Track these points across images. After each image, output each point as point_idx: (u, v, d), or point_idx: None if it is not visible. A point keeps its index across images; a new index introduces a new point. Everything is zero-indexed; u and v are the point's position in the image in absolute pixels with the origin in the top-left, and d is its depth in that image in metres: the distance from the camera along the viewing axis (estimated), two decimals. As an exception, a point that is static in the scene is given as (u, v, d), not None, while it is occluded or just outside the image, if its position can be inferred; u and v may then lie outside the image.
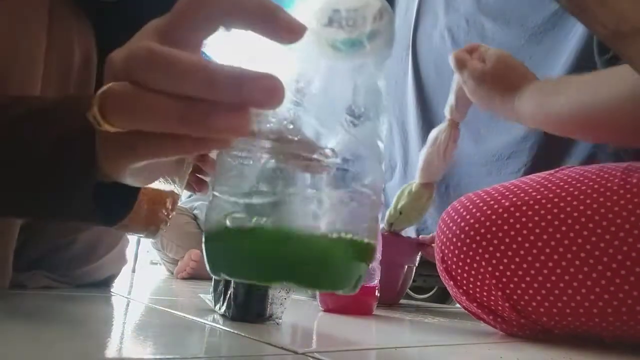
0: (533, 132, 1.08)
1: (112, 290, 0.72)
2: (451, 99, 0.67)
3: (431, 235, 0.85)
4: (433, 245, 0.83)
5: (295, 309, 0.65)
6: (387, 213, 0.83)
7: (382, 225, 0.84)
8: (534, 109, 0.54)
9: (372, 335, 0.48)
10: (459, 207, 0.49)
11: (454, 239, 0.47)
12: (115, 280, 0.79)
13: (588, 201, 0.41)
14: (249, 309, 0.43)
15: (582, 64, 0.98)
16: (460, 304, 0.52)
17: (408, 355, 0.37)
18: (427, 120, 1.44)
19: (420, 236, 0.89)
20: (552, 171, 0.48)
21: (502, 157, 1.15)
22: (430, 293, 1.78)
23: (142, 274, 1.59)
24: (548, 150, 1.04)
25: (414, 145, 1.47)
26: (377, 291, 0.63)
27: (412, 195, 0.77)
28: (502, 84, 0.57)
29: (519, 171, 1.07)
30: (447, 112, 0.69)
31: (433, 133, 0.72)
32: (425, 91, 1.48)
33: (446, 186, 1.30)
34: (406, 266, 0.87)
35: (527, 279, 0.42)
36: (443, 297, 1.74)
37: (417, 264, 0.91)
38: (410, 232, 1.36)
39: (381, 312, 0.67)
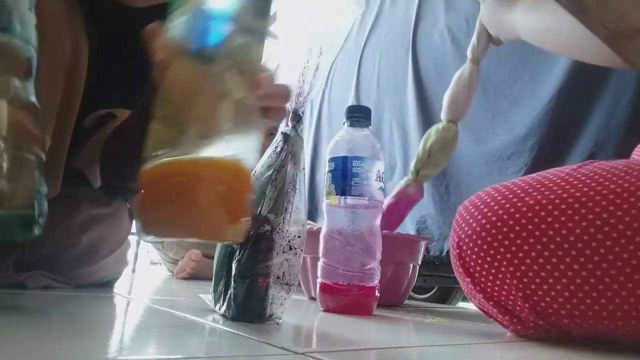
0: (533, 133, 1.08)
1: (112, 290, 0.72)
2: (473, 39, 0.76)
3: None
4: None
5: (295, 309, 0.66)
6: (415, 158, 0.83)
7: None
8: (528, 24, 0.61)
9: (372, 335, 0.48)
10: (477, 202, 0.48)
11: (474, 236, 0.46)
12: (116, 283, 0.79)
13: (618, 201, 0.39)
14: (249, 309, 0.43)
15: (583, 64, 0.98)
16: (473, 301, 0.51)
17: (408, 355, 0.37)
18: (427, 120, 1.44)
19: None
20: (575, 166, 0.46)
21: (502, 158, 1.15)
22: (430, 293, 1.78)
23: (143, 274, 1.59)
24: (548, 151, 1.04)
25: (414, 145, 1.47)
26: (377, 291, 0.64)
27: (439, 132, 0.80)
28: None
29: (520, 171, 1.07)
30: (469, 52, 0.78)
31: (456, 75, 0.80)
32: (425, 91, 1.48)
33: (446, 186, 1.30)
34: (411, 265, 0.87)
35: (550, 280, 0.41)
36: (443, 297, 1.74)
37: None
38: (410, 230, 1.35)
39: (381, 312, 0.67)
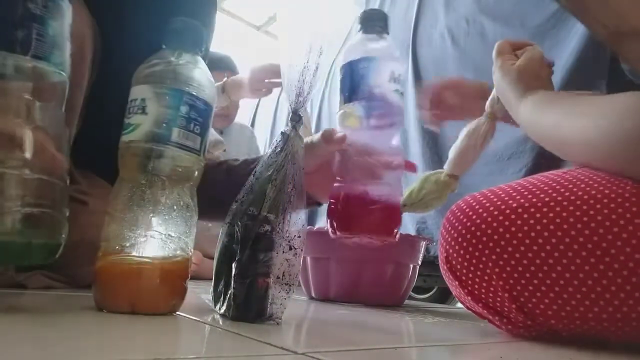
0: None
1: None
2: (494, 92, 0.67)
3: None
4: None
5: (295, 309, 0.66)
6: (407, 194, 0.74)
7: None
8: (527, 118, 0.55)
9: (372, 335, 0.48)
10: (464, 207, 0.48)
11: (460, 239, 0.46)
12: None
13: (598, 206, 0.40)
14: (249, 309, 0.43)
15: (582, 64, 0.98)
16: (463, 304, 0.51)
17: (408, 355, 0.37)
18: (427, 120, 1.43)
19: None
20: (560, 171, 0.47)
21: (502, 158, 1.15)
22: (430, 293, 1.78)
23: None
24: (549, 151, 1.04)
25: (414, 145, 1.47)
26: (399, 213, 0.56)
27: (439, 185, 0.73)
28: (521, 84, 0.58)
29: (520, 172, 1.07)
30: (488, 105, 0.69)
31: (469, 127, 0.71)
32: (426, 91, 1.48)
33: (446, 186, 1.30)
34: (411, 265, 0.87)
35: (535, 281, 0.42)
36: (443, 297, 1.74)
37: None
38: (410, 230, 1.35)
39: (381, 312, 0.67)
